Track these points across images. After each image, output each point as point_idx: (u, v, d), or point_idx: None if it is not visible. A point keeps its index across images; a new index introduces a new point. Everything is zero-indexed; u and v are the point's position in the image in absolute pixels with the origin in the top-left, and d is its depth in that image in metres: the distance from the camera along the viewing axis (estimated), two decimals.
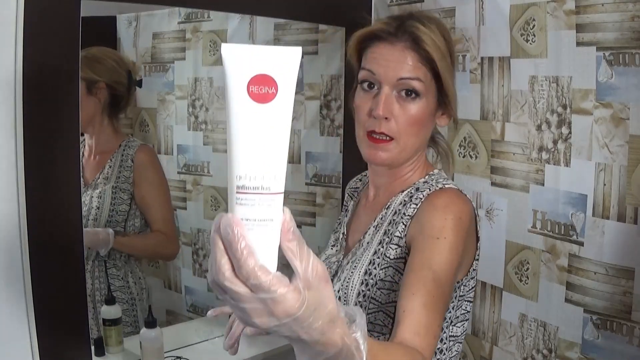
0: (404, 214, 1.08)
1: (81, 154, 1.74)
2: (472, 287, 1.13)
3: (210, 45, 2.05)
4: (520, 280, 1.66)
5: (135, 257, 1.82)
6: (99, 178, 1.75)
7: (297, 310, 0.57)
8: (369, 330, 0.97)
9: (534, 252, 1.62)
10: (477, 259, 1.12)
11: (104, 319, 1.56)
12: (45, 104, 1.31)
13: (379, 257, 1.08)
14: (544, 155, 1.57)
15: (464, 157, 1.79)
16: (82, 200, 1.69)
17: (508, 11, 1.61)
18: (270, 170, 0.57)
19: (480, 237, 1.13)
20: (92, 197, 1.73)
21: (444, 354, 1.10)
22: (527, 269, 1.64)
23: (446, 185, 1.09)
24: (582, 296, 1.50)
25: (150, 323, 1.50)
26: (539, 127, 1.58)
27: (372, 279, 1.07)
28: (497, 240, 1.71)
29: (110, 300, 1.59)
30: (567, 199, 1.53)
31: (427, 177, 1.14)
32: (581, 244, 1.50)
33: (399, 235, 1.07)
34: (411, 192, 1.11)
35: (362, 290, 1.07)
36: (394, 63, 1.05)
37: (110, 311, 1.57)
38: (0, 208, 1.28)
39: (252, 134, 0.57)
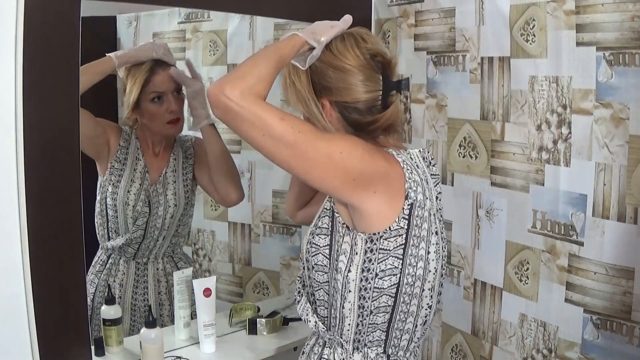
0: None
1: (135, 152, 1.83)
2: (400, 245, 1.17)
3: (210, 45, 2.05)
4: (520, 280, 1.66)
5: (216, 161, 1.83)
6: (166, 172, 1.85)
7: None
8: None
9: (534, 252, 1.62)
10: (407, 219, 1.16)
11: (104, 319, 1.56)
12: (46, 104, 1.31)
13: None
14: (544, 155, 1.57)
15: (464, 157, 1.79)
16: (157, 199, 1.82)
17: (508, 11, 1.61)
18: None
19: (413, 203, 1.16)
20: (165, 194, 1.83)
21: (367, 302, 1.19)
22: (527, 269, 1.64)
23: None
24: (582, 296, 1.50)
25: (150, 323, 1.50)
26: (539, 127, 1.58)
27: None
28: (497, 240, 1.71)
29: (110, 300, 1.59)
30: (567, 199, 1.53)
31: None
32: (581, 244, 1.50)
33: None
34: None
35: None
36: None
37: (110, 311, 1.57)
38: (0, 208, 1.28)
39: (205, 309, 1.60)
